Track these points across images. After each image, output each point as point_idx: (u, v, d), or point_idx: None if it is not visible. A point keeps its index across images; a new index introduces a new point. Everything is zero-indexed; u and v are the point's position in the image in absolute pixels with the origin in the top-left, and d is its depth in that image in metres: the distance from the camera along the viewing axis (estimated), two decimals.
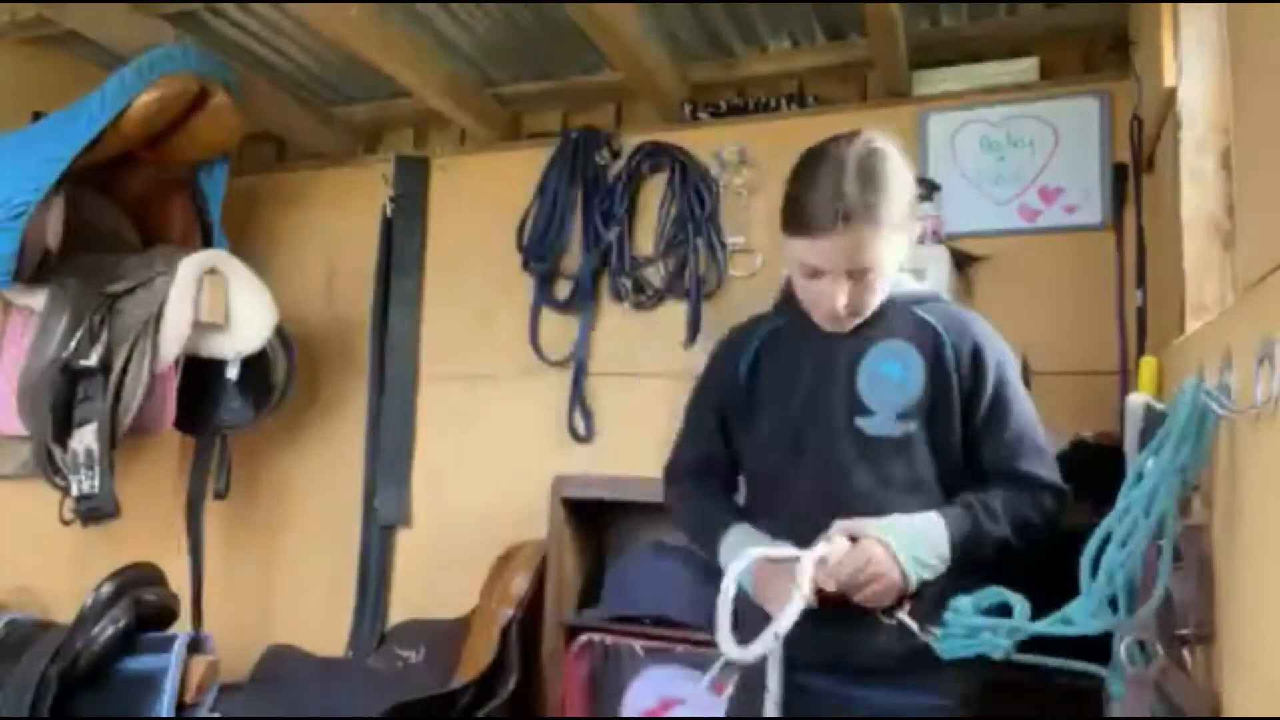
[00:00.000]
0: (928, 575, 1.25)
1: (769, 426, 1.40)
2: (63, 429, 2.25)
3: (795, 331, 1.40)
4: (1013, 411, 1.36)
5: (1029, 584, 1.73)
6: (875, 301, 1.34)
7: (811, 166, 1.32)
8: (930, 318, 1.37)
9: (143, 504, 2.65)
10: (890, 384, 1.33)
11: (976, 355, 1.34)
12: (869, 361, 1.34)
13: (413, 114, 3.06)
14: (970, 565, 1.30)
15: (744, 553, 1.26)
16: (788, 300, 1.45)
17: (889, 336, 1.35)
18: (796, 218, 1.28)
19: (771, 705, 1.29)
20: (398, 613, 2.87)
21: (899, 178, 1.30)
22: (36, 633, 2.13)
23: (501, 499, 2.75)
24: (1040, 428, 1.40)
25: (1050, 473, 1.39)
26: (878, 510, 1.28)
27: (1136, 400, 1.32)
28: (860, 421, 1.33)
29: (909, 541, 1.24)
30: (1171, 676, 1.10)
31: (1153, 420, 1.23)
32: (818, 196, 1.26)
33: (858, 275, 1.28)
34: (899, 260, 1.33)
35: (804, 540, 1.26)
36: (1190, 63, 1.63)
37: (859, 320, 1.35)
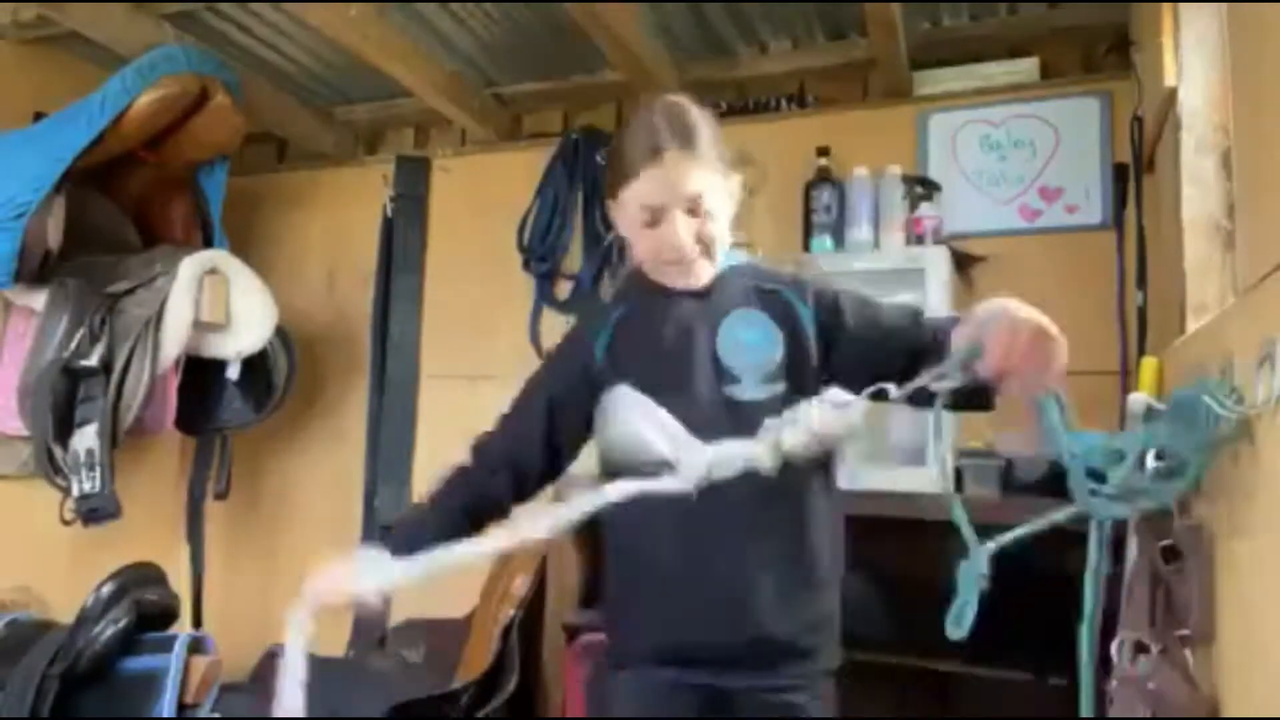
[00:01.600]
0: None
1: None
2: (63, 429, 2.25)
3: (647, 311, 1.39)
4: (880, 307, 1.37)
5: (1028, 582, 1.73)
6: (720, 245, 1.36)
7: (622, 133, 1.38)
8: (765, 282, 1.40)
9: (143, 504, 2.65)
10: (751, 349, 1.33)
11: (819, 295, 1.37)
12: (726, 330, 1.34)
13: (413, 114, 3.06)
14: None
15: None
16: (631, 287, 1.45)
17: (738, 305, 1.36)
18: (619, 171, 1.33)
19: None
20: (398, 613, 2.87)
21: (707, 124, 1.37)
22: (36, 633, 2.13)
23: None
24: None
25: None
26: (752, 475, 1.21)
27: (1137, 400, 1.32)
28: (729, 389, 1.32)
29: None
30: (1166, 676, 1.10)
31: (1153, 420, 1.23)
32: (636, 141, 1.31)
33: (693, 207, 1.31)
34: (727, 210, 1.37)
35: (681, 514, 1.22)
36: (1190, 63, 1.63)
37: (710, 270, 1.36)
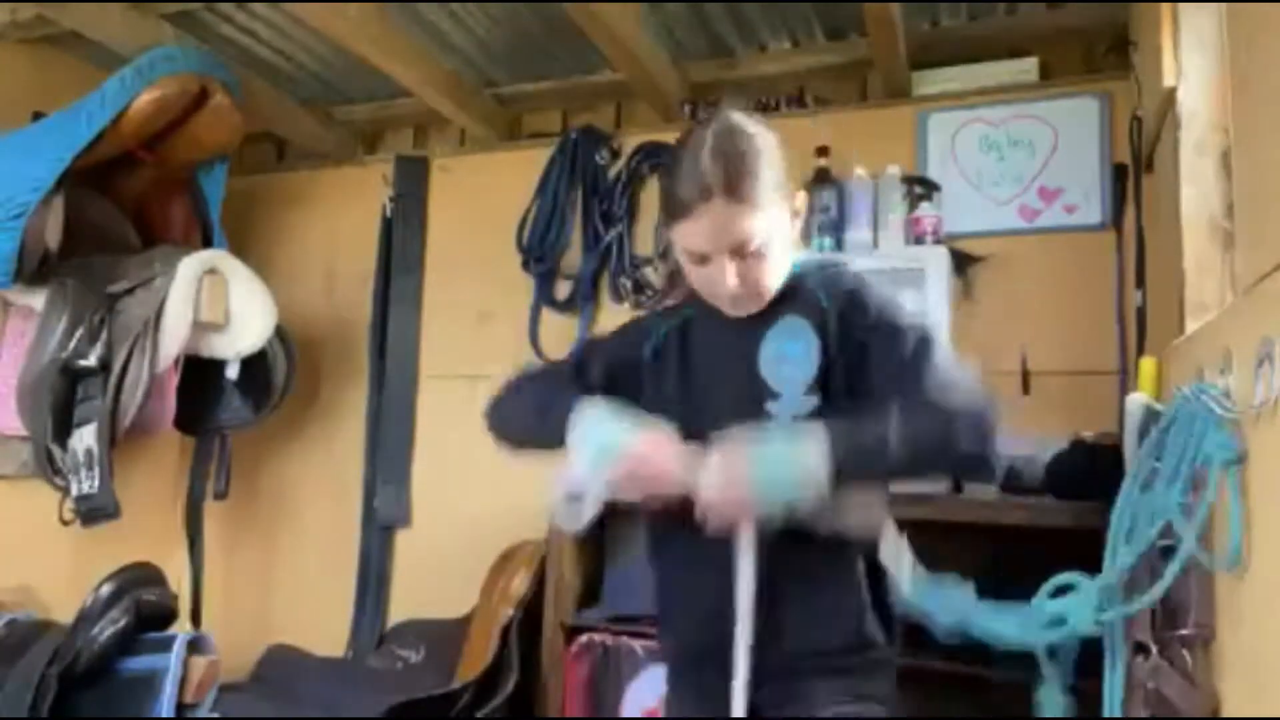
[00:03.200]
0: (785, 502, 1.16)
1: (670, 416, 1.32)
2: (63, 429, 2.24)
3: (701, 323, 1.38)
4: (907, 344, 1.28)
5: (1026, 582, 1.73)
6: (771, 279, 1.30)
7: (678, 154, 1.30)
8: (817, 288, 1.34)
9: (143, 504, 2.65)
10: (791, 362, 1.31)
11: (853, 305, 1.32)
12: (767, 344, 1.32)
13: (413, 114, 3.06)
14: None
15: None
16: (690, 298, 1.41)
17: (787, 313, 1.32)
18: (670, 205, 1.28)
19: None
20: (398, 613, 2.87)
21: (761, 152, 1.27)
22: (36, 633, 2.13)
23: (501, 499, 2.75)
24: (955, 367, 1.28)
25: (967, 398, 1.24)
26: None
27: (1136, 400, 1.32)
28: (769, 405, 1.30)
29: (772, 459, 1.16)
30: (1166, 676, 1.10)
31: (1152, 420, 1.23)
32: (683, 180, 1.25)
33: (740, 252, 1.25)
34: (785, 235, 1.30)
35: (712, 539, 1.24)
36: (1190, 63, 1.63)
37: (763, 301, 1.32)
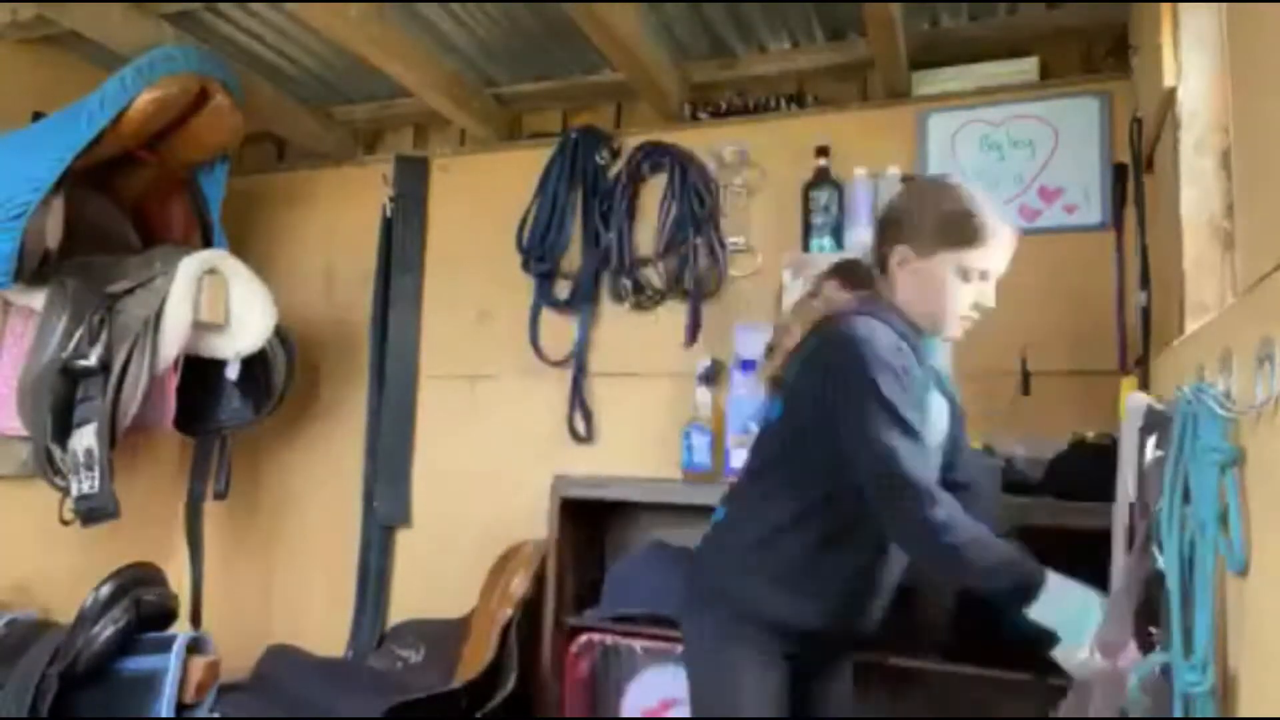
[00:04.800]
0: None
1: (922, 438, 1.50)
2: (62, 429, 2.24)
3: (913, 357, 1.55)
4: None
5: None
6: None
7: (952, 190, 1.58)
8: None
9: (143, 504, 2.65)
10: (940, 410, 1.60)
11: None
12: (934, 389, 1.59)
13: (413, 114, 3.07)
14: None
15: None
16: (890, 320, 1.56)
17: (933, 366, 1.60)
18: (965, 231, 1.53)
19: None
20: (398, 613, 2.87)
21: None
22: (36, 633, 2.13)
23: (501, 499, 2.75)
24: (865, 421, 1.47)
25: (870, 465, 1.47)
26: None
27: (1137, 400, 1.31)
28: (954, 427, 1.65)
29: None
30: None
31: (1154, 421, 1.23)
32: (979, 212, 1.53)
33: (996, 278, 1.57)
34: None
35: (875, 567, 1.57)
36: (1190, 63, 1.63)
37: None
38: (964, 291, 1.54)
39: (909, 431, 1.42)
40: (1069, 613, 1.30)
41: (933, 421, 1.54)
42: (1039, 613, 1.31)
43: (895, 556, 1.58)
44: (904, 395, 1.45)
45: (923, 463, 1.44)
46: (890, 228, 1.59)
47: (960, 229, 1.51)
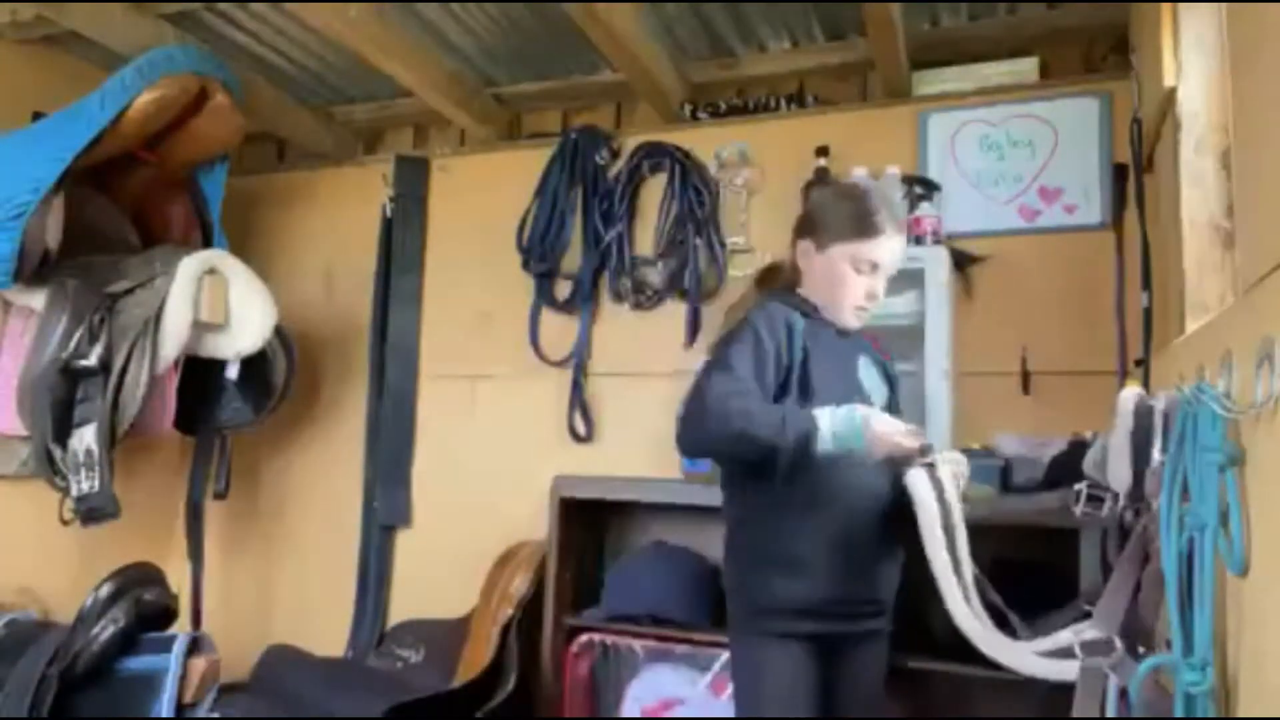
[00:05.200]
0: None
1: (814, 397, 1.59)
2: (63, 429, 2.24)
3: (817, 327, 1.68)
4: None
5: (1026, 582, 1.73)
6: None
7: (848, 188, 1.82)
8: (866, 339, 1.79)
9: (143, 504, 2.65)
10: (874, 383, 1.74)
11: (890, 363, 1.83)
12: (863, 365, 1.73)
13: (413, 114, 3.07)
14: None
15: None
16: (791, 303, 1.70)
17: (863, 351, 1.75)
18: (856, 225, 1.66)
19: None
20: (398, 613, 2.87)
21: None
22: (36, 633, 2.13)
23: (501, 499, 2.75)
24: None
25: None
26: (880, 484, 1.60)
27: (1127, 396, 1.30)
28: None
29: None
30: (1129, 671, 1.10)
31: (1144, 417, 1.23)
32: (874, 207, 1.67)
33: (886, 274, 1.69)
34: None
35: (842, 530, 1.59)
36: (1190, 63, 1.63)
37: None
38: (856, 282, 1.67)
39: (736, 378, 1.55)
40: (839, 426, 1.48)
41: (866, 393, 1.68)
42: (822, 446, 1.47)
43: (862, 511, 1.61)
44: (751, 359, 1.57)
45: (739, 395, 1.53)
46: (799, 225, 1.76)
47: (850, 224, 1.67)
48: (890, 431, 1.50)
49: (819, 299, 1.71)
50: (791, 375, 1.61)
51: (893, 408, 1.74)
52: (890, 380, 1.80)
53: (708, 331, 2.58)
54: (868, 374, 1.73)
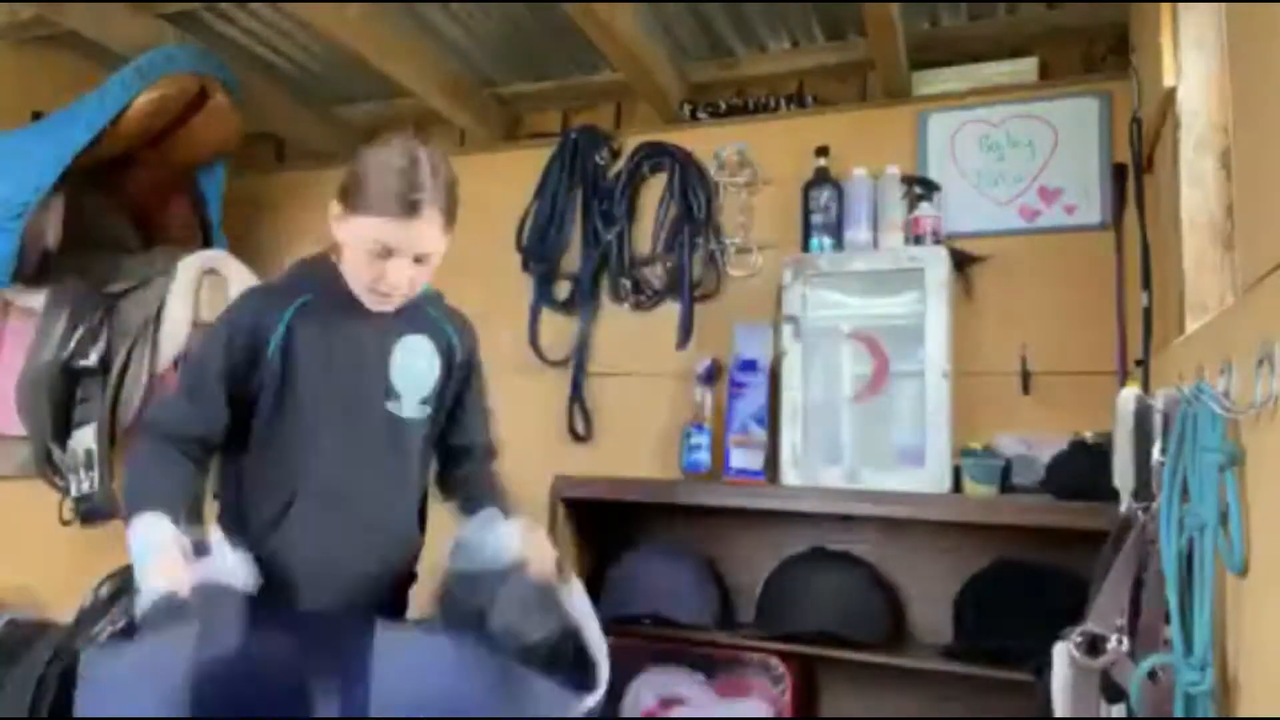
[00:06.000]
0: None
1: (302, 401, 1.47)
2: (62, 429, 2.25)
3: (327, 310, 1.49)
4: (483, 390, 1.71)
5: (1024, 582, 1.72)
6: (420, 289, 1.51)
7: (384, 154, 1.45)
8: (441, 317, 1.62)
9: None
10: (415, 372, 1.55)
11: (472, 350, 1.68)
12: (400, 351, 1.53)
13: (413, 114, 3.06)
14: None
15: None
16: (313, 276, 1.53)
17: (415, 330, 1.55)
18: (374, 199, 1.41)
19: None
20: None
21: (458, 181, 1.48)
22: (36, 633, 2.13)
23: None
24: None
25: (492, 434, 1.72)
26: (400, 480, 1.54)
27: (1126, 397, 1.30)
28: (390, 405, 1.52)
29: None
30: (1125, 670, 1.10)
31: (1144, 417, 1.23)
32: (398, 182, 1.39)
33: (422, 259, 1.44)
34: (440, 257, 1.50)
35: (329, 510, 1.46)
36: (1190, 63, 1.63)
37: (400, 305, 1.50)
38: (369, 262, 1.43)
39: (182, 386, 1.49)
40: (137, 551, 1.33)
41: (395, 388, 1.53)
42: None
43: (303, 492, 1.47)
44: (205, 356, 1.46)
45: (172, 408, 1.47)
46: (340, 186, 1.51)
47: (362, 194, 1.42)
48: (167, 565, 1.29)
49: (349, 272, 1.48)
50: (262, 373, 1.44)
51: (460, 398, 1.63)
52: (450, 365, 1.59)
53: (708, 331, 2.59)
54: (410, 360, 1.53)
